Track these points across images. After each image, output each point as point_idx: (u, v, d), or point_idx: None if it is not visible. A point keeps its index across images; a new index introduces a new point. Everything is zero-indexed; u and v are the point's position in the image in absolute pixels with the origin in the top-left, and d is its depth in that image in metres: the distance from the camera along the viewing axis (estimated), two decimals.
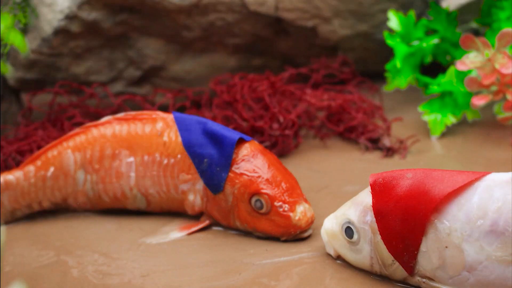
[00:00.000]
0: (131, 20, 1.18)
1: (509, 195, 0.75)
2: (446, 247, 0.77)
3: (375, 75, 1.29)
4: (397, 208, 0.78)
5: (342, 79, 1.25)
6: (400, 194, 0.78)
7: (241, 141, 0.93)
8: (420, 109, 1.16)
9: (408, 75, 1.18)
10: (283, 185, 0.91)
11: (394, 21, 1.18)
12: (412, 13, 1.18)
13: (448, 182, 0.77)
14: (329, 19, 1.24)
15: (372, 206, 0.80)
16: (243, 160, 0.92)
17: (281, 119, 1.10)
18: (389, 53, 1.23)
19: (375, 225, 0.80)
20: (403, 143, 1.11)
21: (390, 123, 1.14)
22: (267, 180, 0.91)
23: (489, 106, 1.17)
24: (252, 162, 0.92)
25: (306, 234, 0.91)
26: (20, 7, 1.14)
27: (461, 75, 1.14)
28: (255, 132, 1.10)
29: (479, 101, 1.09)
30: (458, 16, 1.23)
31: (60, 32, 1.16)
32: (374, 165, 1.07)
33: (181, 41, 1.22)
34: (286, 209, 0.90)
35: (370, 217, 0.81)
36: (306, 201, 0.92)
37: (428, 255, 0.78)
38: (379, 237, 0.80)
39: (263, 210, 0.90)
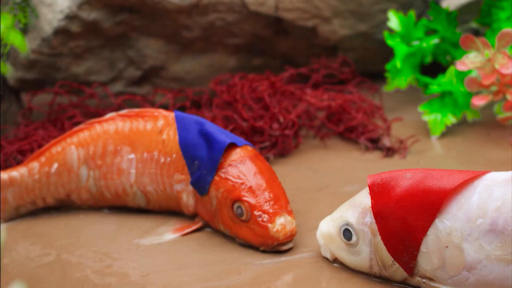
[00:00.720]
0: (131, 20, 1.18)
1: (509, 194, 0.75)
2: (447, 246, 0.77)
3: (375, 75, 1.29)
4: (397, 209, 0.78)
5: (342, 79, 1.25)
6: (400, 195, 0.78)
7: (233, 146, 0.92)
8: (420, 109, 1.16)
9: (408, 75, 1.18)
10: (267, 194, 0.89)
11: (394, 21, 1.18)
12: (412, 13, 1.18)
13: (448, 181, 0.77)
14: (329, 19, 1.24)
15: (372, 207, 0.80)
16: (230, 165, 0.91)
17: (281, 119, 1.10)
18: (389, 53, 1.23)
19: (375, 226, 0.80)
20: (403, 143, 1.11)
21: (390, 123, 1.14)
22: (250, 187, 0.89)
23: (489, 106, 1.17)
24: (238, 168, 0.90)
25: (285, 247, 0.89)
26: (20, 7, 1.14)
27: (461, 75, 1.14)
28: (255, 132, 1.10)
29: (479, 101, 1.09)
30: (458, 16, 1.23)
31: (60, 32, 1.16)
32: (374, 165, 1.07)
33: (181, 41, 1.22)
34: (265, 219, 0.88)
35: (369, 218, 0.81)
36: (289, 213, 0.89)
37: (428, 255, 0.78)
38: (379, 238, 0.80)
39: (244, 218, 0.89)
